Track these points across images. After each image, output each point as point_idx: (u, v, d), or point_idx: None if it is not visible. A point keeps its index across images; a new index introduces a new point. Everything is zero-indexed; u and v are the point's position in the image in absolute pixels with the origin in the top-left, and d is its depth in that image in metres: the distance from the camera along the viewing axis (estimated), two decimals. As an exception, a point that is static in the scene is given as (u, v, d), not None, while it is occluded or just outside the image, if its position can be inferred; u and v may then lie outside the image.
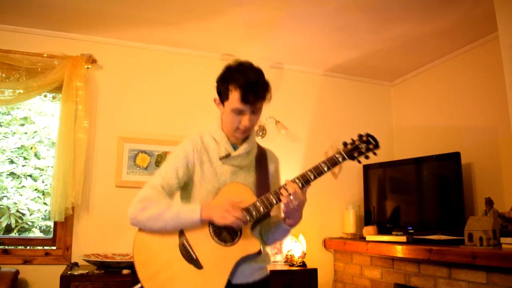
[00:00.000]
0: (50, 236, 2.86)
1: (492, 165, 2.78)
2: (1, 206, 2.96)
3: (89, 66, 2.94)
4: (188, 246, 1.40)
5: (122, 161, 2.95)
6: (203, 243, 1.40)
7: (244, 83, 1.41)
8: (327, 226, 3.41)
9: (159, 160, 3.03)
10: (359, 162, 1.48)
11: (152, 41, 3.12)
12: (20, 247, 2.76)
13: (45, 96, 2.94)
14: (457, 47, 3.10)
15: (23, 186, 3.07)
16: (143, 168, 3.00)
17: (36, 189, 3.10)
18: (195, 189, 1.51)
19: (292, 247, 3.09)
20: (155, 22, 2.81)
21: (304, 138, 3.53)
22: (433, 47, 3.12)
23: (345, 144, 1.47)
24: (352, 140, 1.48)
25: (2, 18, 2.75)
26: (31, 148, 3.16)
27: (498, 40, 2.18)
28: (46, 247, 2.79)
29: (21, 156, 3.13)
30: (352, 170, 3.51)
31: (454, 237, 2.53)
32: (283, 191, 1.39)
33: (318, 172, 1.42)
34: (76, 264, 2.55)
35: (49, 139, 3.20)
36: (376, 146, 1.47)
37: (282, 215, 1.51)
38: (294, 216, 1.44)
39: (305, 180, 1.41)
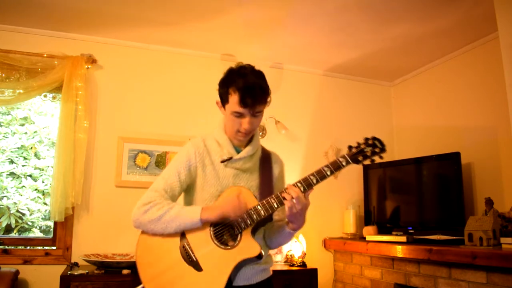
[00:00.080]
0: (50, 236, 2.86)
1: (492, 165, 2.78)
2: (1, 206, 2.96)
3: (89, 66, 2.94)
4: (188, 248, 1.41)
5: (122, 161, 2.95)
6: (203, 245, 1.41)
7: (243, 87, 1.41)
8: (327, 226, 3.41)
9: (159, 160, 3.03)
10: (364, 164, 1.46)
11: (152, 41, 3.12)
12: (20, 247, 2.76)
13: (45, 96, 2.94)
14: (457, 47, 3.10)
15: (23, 186, 3.07)
16: (143, 168, 3.00)
17: (36, 189, 3.10)
18: (197, 192, 1.52)
19: (292, 247, 3.09)
20: (155, 22, 2.81)
21: (304, 138, 3.52)
22: (433, 47, 3.12)
23: (350, 147, 1.46)
24: (358, 143, 1.46)
25: (2, 18, 2.75)
26: (31, 148, 3.16)
27: (498, 40, 2.18)
28: (46, 247, 2.79)
29: (21, 156, 3.13)
30: (352, 170, 3.50)
31: (454, 237, 2.53)
32: (285, 195, 1.39)
33: (320, 176, 1.42)
34: (76, 264, 2.55)
35: (49, 139, 3.20)
36: (383, 149, 1.45)
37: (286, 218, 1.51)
38: (297, 220, 1.43)
39: (307, 184, 1.41)
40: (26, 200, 3.04)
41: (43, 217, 3.11)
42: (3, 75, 2.74)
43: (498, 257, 1.98)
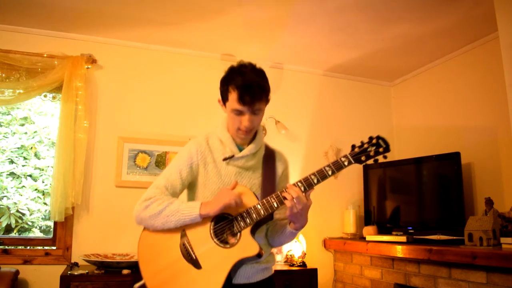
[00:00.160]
0: (50, 236, 2.86)
1: (492, 165, 2.78)
2: (1, 206, 2.96)
3: (89, 66, 2.94)
4: (188, 246, 1.43)
5: (122, 161, 2.95)
6: (203, 244, 1.42)
7: (242, 84, 1.42)
8: (327, 226, 3.41)
9: (159, 160, 3.03)
10: (366, 164, 1.43)
11: (152, 41, 3.12)
12: (20, 247, 2.76)
13: (45, 96, 2.94)
14: (457, 47, 3.10)
15: (23, 186, 3.07)
16: (143, 168, 3.00)
17: (36, 189, 3.10)
18: (199, 190, 1.54)
19: (292, 247, 3.09)
20: (155, 22, 2.81)
21: (304, 138, 3.53)
22: (433, 47, 3.11)
23: (353, 146, 1.44)
24: (362, 142, 1.44)
25: (2, 18, 2.75)
26: (31, 148, 3.16)
27: (498, 40, 2.18)
28: (46, 247, 2.79)
29: (21, 156, 3.13)
30: (352, 170, 3.49)
31: (454, 237, 2.53)
32: (285, 194, 1.39)
33: (322, 176, 1.41)
34: (76, 264, 2.55)
35: (49, 139, 3.20)
36: (387, 149, 1.42)
37: None
38: (298, 220, 1.43)
39: (308, 184, 1.40)
40: (26, 200, 3.04)
41: (43, 217, 3.11)
42: (3, 75, 2.74)
43: (498, 257, 1.98)
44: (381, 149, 1.42)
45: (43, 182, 3.12)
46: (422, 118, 3.49)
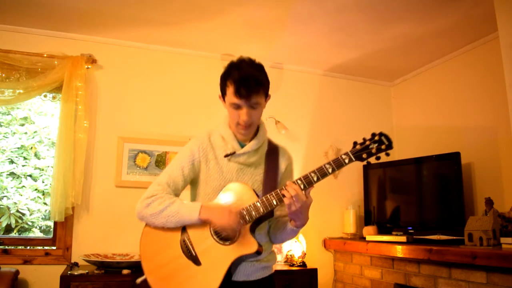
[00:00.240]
0: (50, 236, 2.86)
1: (492, 165, 2.78)
2: (1, 206, 2.96)
3: (89, 66, 2.94)
4: (188, 243, 1.44)
5: (122, 161, 2.95)
6: (203, 240, 1.44)
7: (238, 78, 1.43)
8: (327, 226, 3.41)
9: (159, 160, 3.04)
10: (369, 163, 1.39)
11: (152, 41, 3.12)
12: (20, 247, 2.76)
13: (45, 96, 2.94)
14: (457, 47, 3.10)
15: (23, 186, 3.07)
16: (143, 168, 3.00)
17: (36, 189, 3.10)
18: (201, 187, 1.54)
19: (292, 247, 3.09)
20: (155, 22, 2.81)
21: (304, 138, 3.53)
22: (433, 47, 3.11)
23: (354, 143, 1.41)
24: (364, 139, 1.41)
25: (2, 18, 2.75)
26: (31, 148, 3.16)
27: (498, 40, 2.18)
28: (46, 247, 2.79)
29: (21, 156, 3.13)
30: (352, 170, 3.50)
31: (454, 237, 2.53)
32: (284, 192, 1.38)
33: (322, 173, 1.39)
34: (76, 264, 2.55)
35: (49, 139, 3.20)
36: (389, 146, 1.38)
37: None
38: (298, 217, 1.42)
39: (307, 182, 1.39)
40: (26, 200, 3.04)
41: (43, 217, 3.10)
42: (3, 75, 2.74)
43: (498, 257, 1.98)
44: (383, 146, 1.38)
45: (43, 182, 3.12)
46: (422, 118, 3.49)
